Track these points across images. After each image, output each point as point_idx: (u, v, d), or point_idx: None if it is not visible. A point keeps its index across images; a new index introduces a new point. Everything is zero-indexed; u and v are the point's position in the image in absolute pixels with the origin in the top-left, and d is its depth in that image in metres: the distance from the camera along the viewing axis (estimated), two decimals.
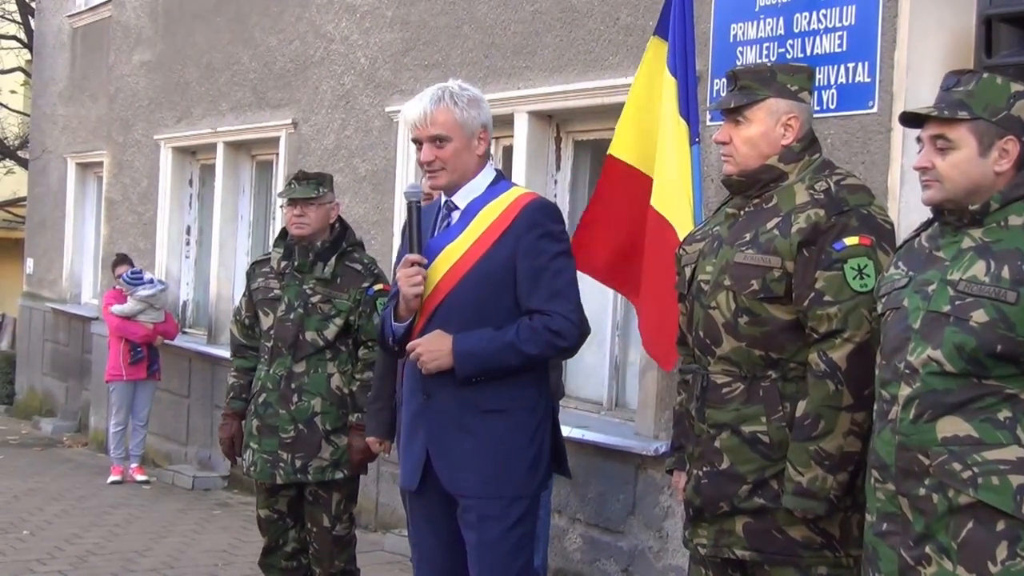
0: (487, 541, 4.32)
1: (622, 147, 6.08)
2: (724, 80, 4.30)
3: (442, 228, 4.46)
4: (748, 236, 3.96)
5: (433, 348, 4.28)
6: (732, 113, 4.03)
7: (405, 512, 5.83)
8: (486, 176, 4.46)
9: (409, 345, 4.35)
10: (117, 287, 11.47)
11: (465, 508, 4.35)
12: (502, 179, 4.53)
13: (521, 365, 4.30)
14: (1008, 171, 3.42)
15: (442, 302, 4.34)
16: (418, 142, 4.40)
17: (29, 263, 17.03)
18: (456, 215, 4.43)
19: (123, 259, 11.74)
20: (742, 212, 4.06)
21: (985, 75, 3.51)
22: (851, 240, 3.81)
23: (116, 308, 11.19)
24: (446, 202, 4.47)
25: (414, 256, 4.30)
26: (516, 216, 4.34)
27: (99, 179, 14.94)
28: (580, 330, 4.39)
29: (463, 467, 4.32)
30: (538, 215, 4.35)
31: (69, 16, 15.86)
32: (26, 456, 13.03)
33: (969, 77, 3.49)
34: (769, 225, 3.92)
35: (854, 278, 3.78)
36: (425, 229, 4.43)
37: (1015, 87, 3.46)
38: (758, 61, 5.90)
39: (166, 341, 11.42)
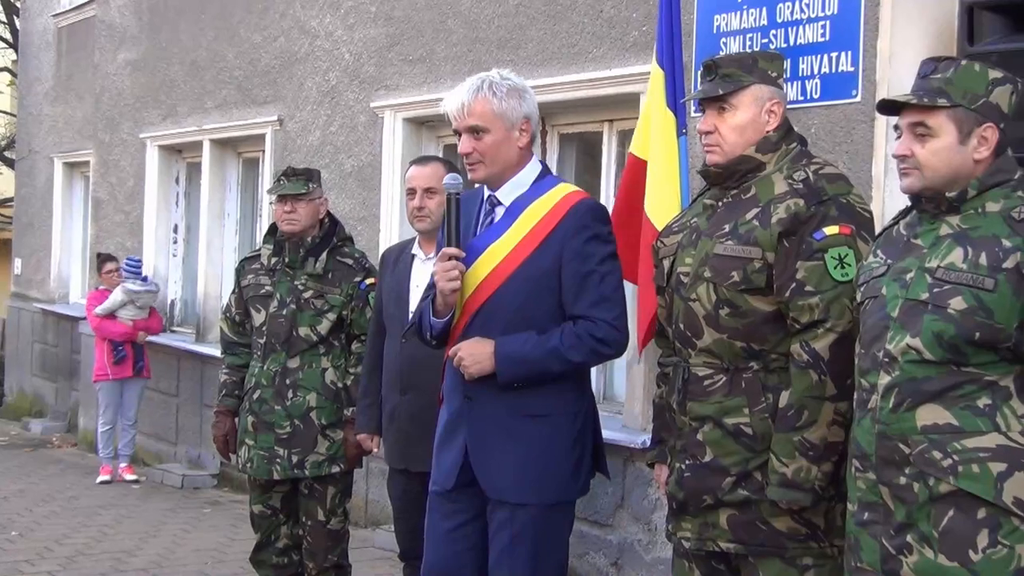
0: (520, 546, 4.27)
1: (639, 145, 5.99)
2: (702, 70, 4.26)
3: (485, 225, 4.38)
4: (727, 227, 3.94)
5: (475, 352, 4.22)
6: (717, 101, 4.00)
7: (391, 498, 5.82)
8: (531, 171, 4.38)
9: (452, 350, 4.29)
10: (101, 288, 11.45)
11: (498, 507, 4.30)
12: (548, 174, 4.45)
13: (563, 372, 4.25)
14: (987, 158, 3.42)
15: (485, 303, 4.28)
16: (459, 133, 4.34)
17: (17, 263, 16.98)
18: (500, 211, 4.36)
19: (108, 257, 11.72)
20: (720, 203, 4.03)
21: (964, 62, 3.50)
22: (831, 229, 3.79)
23: (99, 309, 11.15)
24: (489, 197, 4.39)
25: (451, 250, 4.22)
26: (563, 217, 4.26)
27: (86, 178, 14.91)
28: (625, 337, 4.33)
29: (505, 471, 4.27)
30: (586, 217, 4.27)
31: (54, 16, 15.82)
32: (15, 457, 13.00)
33: (947, 64, 3.48)
34: (748, 216, 3.90)
35: (835, 267, 3.76)
36: (465, 221, 4.34)
37: (993, 74, 3.45)
38: (737, 51, 5.89)
39: (152, 339, 11.38)
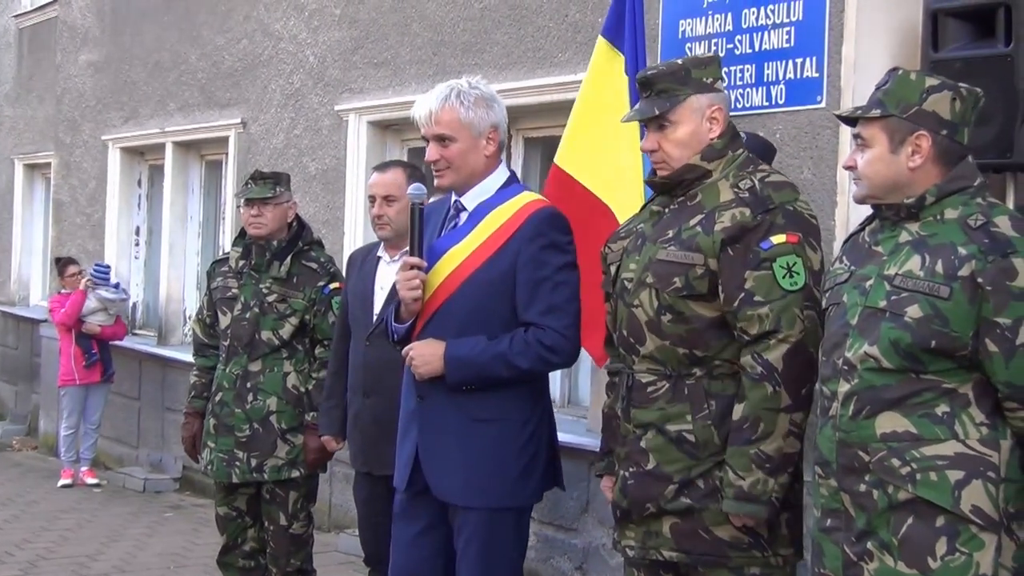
0: (470, 549, 4.30)
1: (567, 158, 5.94)
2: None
3: (449, 229, 4.41)
4: (671, 233, 3.92)
5: (426, 353, 4.25)
6: (656, 119, 3.99)
7: (356, 502, 5.81)
8: (498, 177, 4.41)
9: (404, 350, 4.33)
10: (64, 292, 11.34)
11: (454, 514, 4.34)
12: (515, 182, 4.47)
13: (511, 378, 4.26)
14: (924, 166, 3.43)
15: (441, 306, 4.31)
16: (427, 139, 4.37)
17: None
18: (464, 216, 4.39)
19: (69, 260, 11.63)
20: (667, 210, 4.02)
21: (900, 71, 3.53)
22: (778, 238, 3.78)
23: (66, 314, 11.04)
24: (455, 202, 4.43)
25: (412, 259, 4.26)
26: (522, 224, 4.28)
27: (47, 180, 14.80)
28: (574, 347, 4.35)
29: (450, 473, 4.30)
30: (544, 225, 4.30)
31: (15, 16, 15.70)
32: None
33: (892, 74, 3.52)
34: (692, 222, 3.89)
35: (784, 277, 3.76)
36: (428, 229, 4.38)
37: (930, 82, 3.47)
38: (668, 61, 5.88)
39: (114, 343, 11.31)
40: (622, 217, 5.66)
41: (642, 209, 4.27)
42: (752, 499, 3.74)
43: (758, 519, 3.77)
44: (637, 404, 3.96)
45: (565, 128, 5.96)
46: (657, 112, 3.95)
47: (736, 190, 3.88)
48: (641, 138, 5.58)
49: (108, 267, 11.41)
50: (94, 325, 11.05)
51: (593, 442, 6.54)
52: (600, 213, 5.74)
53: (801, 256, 3.78)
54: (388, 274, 5.33)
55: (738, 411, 3.78)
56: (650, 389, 3.94)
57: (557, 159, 5.90)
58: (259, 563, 6.24)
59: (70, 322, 11.00)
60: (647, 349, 3.94)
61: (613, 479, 4.20)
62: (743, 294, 3.77)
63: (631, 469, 3.98)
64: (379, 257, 5.57)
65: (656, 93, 3.98)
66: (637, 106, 4.08)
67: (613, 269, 4.12)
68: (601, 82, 5.86)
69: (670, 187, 4.02)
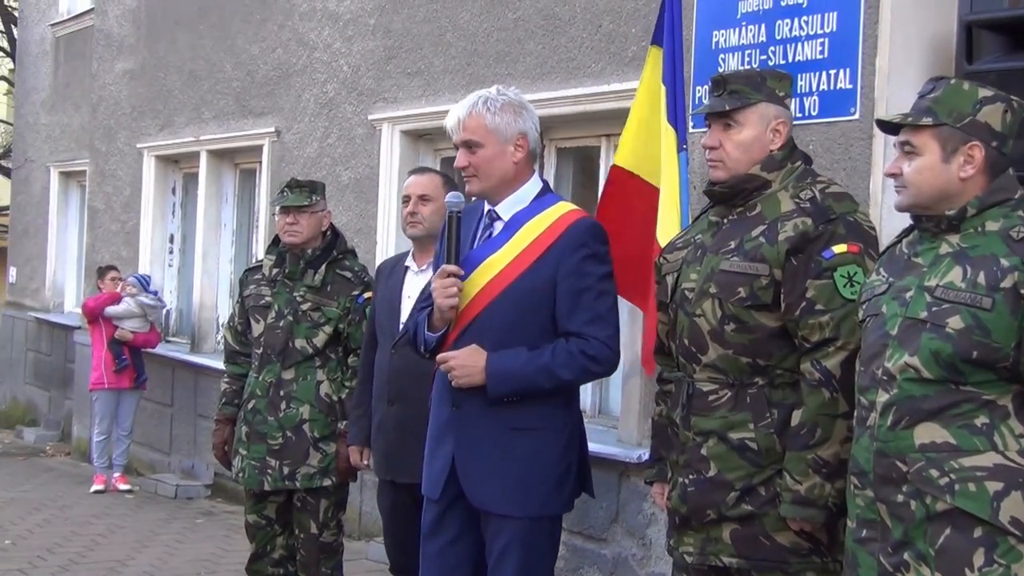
0: (508, 558, 4.29)
1: (625, 156, 5.95)
2: (708, 85, 4.26)
3: (483, 238, 4.41)
4: (733, 244, 3.95)
5: (468, 364, 4.24)
6: (723, 117, 4.01)
7: (380, 511, 5.81)
8: (532, 187, 4.43)
9: (440, 357, 4.31)
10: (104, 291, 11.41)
11: (488, 523, 4.34)
12: (548, 192, 4.49)
13: (554, 389, 4.27)
14: (974, 176, 3.43)
15: (478, 316, 4.30)
16: (457, 148, 4.41)
17: (12, 272, 16.96)
18: (499, 226, 4.39)
19: (110, 267, 11.70)
20: (726, 220, 4.04)
21: (953, 80, 3.52)
22: (839, 248, 3.81)
23: (110, 310, 11.10)
24: (489, 211, 4.44)
25: (451, 267, 4.25)
26: (561, 234, 4.29)
27: (82, 188, 14.91)
28: (617, 357, 4.36)
29: (489, 482, 4.29)
30: (585, 235, 4.31)
31: (52, 25, 15.82)
32: (8, 465, 12.98)
33: (941, 83, 3.51)
34: (754, 233, 3.91)
35: (844, 286, 3.78)
36: (464, 237, 4.38)
37: (983, 92, 3.46)
38: (744, 67, 5.89)
39: (147, 350, 11.37)
40: (662, 221, 5.66)
41: (697, 219, 4.28)
42: (809, 504, 3.76)
43: (815, 524, 3.79)
44: (697, 412, 3.98)
45: (623, 131, 5.94)
46: (727, 108, 3.99)
47: (797, 200, 3.91)
48: (678, 148, 5.67)
49: (148, 277, 11.52)
50: (127, 332, 11.13)
51: (624, 452, 6.57)
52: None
53: (861, 266, 3.80)
54: (416, 284, 5.32)
55: (796, 417, 3.80)
56: (711, 397, 3.95)
57: (616, 159, 5.89)
58: (288, 571, 6.24)
59: (94, 306, 11.08)
60: (709, 358, 3.96)
61: (664, 486, 4.23)
62: (805, 303, 3.80)
63: (691, 476, 3.99)
64: (407, 267, 5.57)
65: (728, 92, 4.02)
66: (708, 102, 4.11)
67: (670, 279, 4.14)
68: (655, 86, 5.85)
69: (728, 197, 4.04)
